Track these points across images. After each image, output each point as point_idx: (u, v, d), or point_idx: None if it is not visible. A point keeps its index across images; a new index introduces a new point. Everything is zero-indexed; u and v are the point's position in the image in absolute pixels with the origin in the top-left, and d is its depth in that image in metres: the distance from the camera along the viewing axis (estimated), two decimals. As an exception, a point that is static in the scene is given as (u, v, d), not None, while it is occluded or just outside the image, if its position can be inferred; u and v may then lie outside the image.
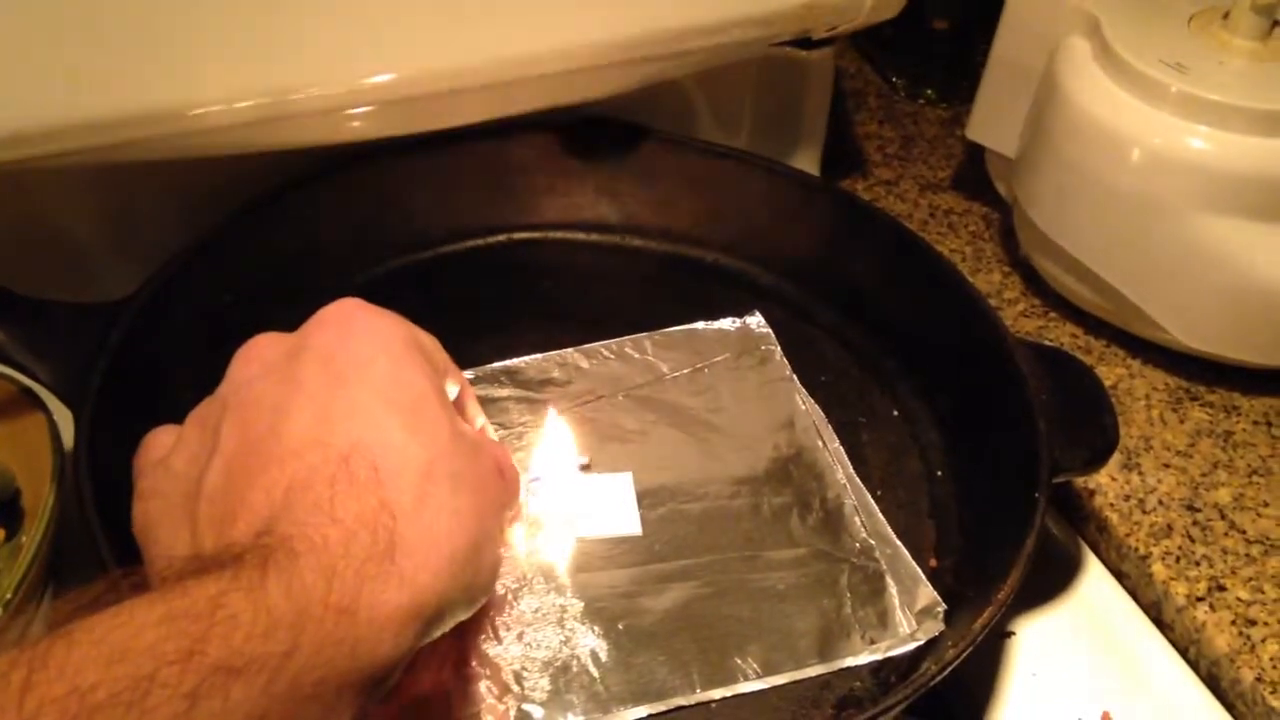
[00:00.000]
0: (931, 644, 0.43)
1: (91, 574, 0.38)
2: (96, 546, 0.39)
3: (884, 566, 0.45)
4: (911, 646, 0.42)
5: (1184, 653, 0.49)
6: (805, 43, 0.59)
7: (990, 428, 0.48)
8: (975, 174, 0.67)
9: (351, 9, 0.48)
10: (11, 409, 0.47)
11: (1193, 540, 0.51)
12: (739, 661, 0.41)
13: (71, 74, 0.44)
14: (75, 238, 0.55)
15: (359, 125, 0.51)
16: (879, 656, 0.42)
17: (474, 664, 0.40)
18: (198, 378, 0.48)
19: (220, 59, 0.46)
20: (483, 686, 0.40)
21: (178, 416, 0.47)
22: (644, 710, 0.40)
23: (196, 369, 0.48)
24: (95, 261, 0.55)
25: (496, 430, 0.48)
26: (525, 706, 0.40)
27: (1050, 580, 0.51)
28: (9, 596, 0.41)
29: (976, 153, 0.66)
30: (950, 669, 0.38)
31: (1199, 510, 0.52)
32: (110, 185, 0.52)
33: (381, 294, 0.54)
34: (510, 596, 0.43)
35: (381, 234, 0.56)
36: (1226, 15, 0.54)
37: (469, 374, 0.50)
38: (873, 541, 0.46)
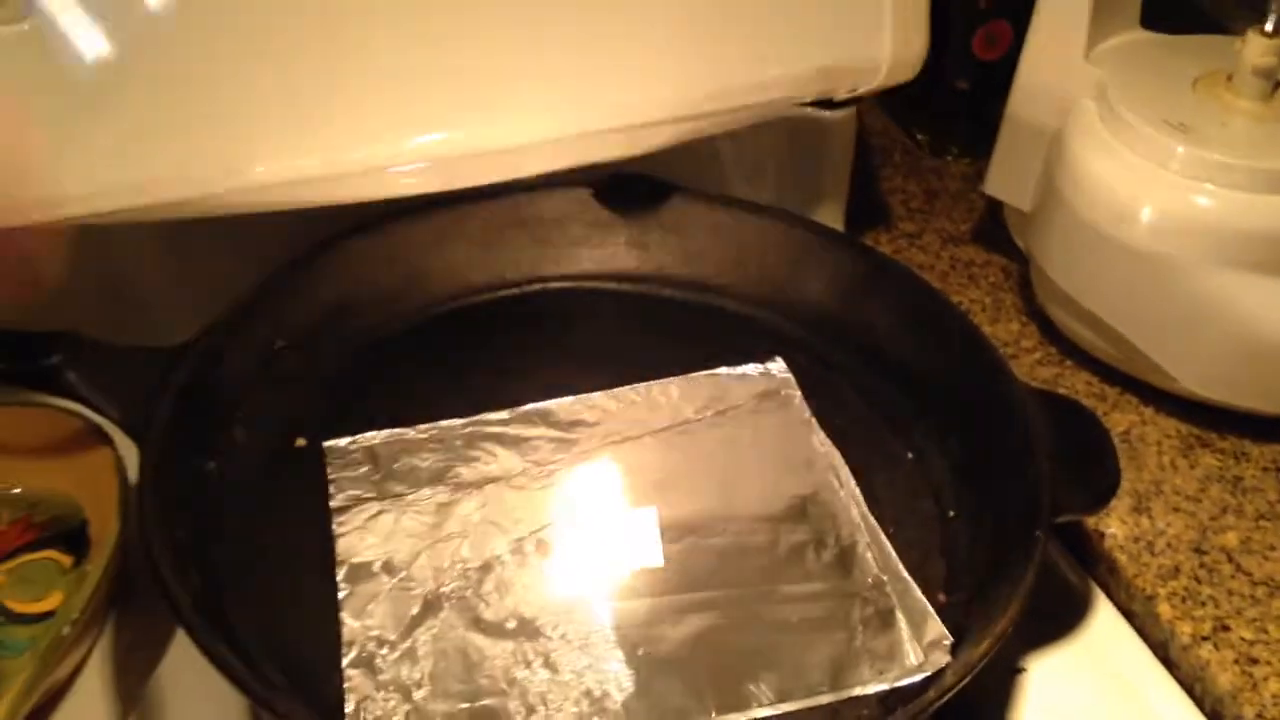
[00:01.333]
0: (938, 675, 0.45)
1: (153, 599, 0.41)
2: (158, 574, 0.42)
3: (894, 601, 0.47)
4: (919, 677, 0.44)
5: (1189, 690, 0.50)
6: (828, 104, 0.61)
7: (998, 470, 0.50)
8: (995, 227, 0.70)
9: (400, 73, 0.51)
10: (81, 444, 0.50)
11: (1199, 582, 0.52)
12: (753, 688, 0.44)
13: (133, 136, 0.47)
14: (140, 286, 0.59)
15: (409, 182, 0.54)
16: (887, 686, 0.44)
17: (503, 685, 0.43)
18: (252, 416, 0.52)
19: (276, 121, 0.49)
20: (511, 705, 0.42)
21: (233, 451, 0.51)
22: (662, 733, 0.43)
23: (251, 408, 0.52)
24: (158, 308, 0.59)
25: (530, 467, 0.51)
26: (550, 727, 0.42)
27: (1062, 619, 0.53)
28: (75, 616, 0.44)
29: (996, 206, 0.69)
30: (950, 695, 0.40)
31: (1206, 553, 0.53)
32: (172, 238, 0.56)
33: (424, 338, 0.58)
34: (537, 623, 0.45)
35: (425, 282, 0.59)
36: (1230, 78, 0.56)
37: (504, 414, 0.54)
38: (884, 577, 0.48)
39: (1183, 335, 0.57)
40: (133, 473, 0.48)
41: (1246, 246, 0.54)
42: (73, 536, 0.50)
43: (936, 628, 0.46)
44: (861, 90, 0.59)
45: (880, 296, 0.57)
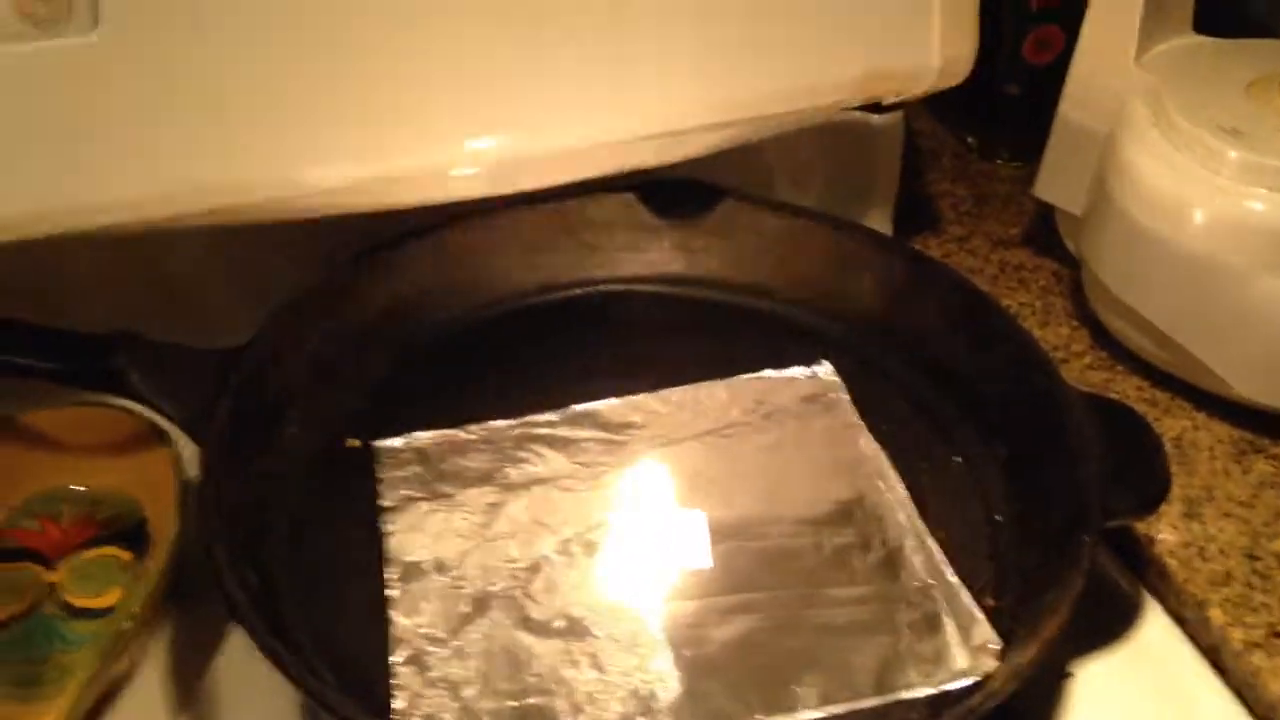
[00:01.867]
0: (985, 680, 0.44)
1: (209, 593, 0.42)
2: (217, 573, 0.43)
3: (941, 605, 0.47)
4: (966, 682, 0.44)
5: (1241, 697, 0.50)
6: (876, 107, 0.61)
7: (1047, 474, 0.50)
8: (1046, 231, 0.69)
9: (454, 80, 0.52)
10: (140, 443, 0.51)
11: (1252, 588, 0.52)
12: (798, 691, 0.44)
13: (191, 143, 0.48)
14: (195, 288, 0.60)
15: (463, 186, 0.55)
16: (933, 690, 0.44)
17: (550, 684, 0.43)
18: (307, 416, 0.53)
19: (332, 127, 0.50)
20: (558, 704, 0.43)
21: (288, 451, 0.52)
22: (706, 734, 0.43)
23: (306, 408, 0.53)
24: (213, 310, 0.60)
25: (578, 468, 0.52)
26: (597, 726, 0.43)
27: (1111, 624, 0.52)
28: (135, 611, 0.46)
29: (1047, 210, 0.68)
30: (997, 701, 0.40)
31: (1259, 559, 0.53)
32: (228, 241, 0.57)
33: (474, 341, 0.59)
34: (585, 623, 0.46)
35: (475, 286, 0.60)
36: (1284, 82, 0.56)
37: (553, 415, 0.54)
38: (931, 581, 0.48)
39: (1236, 340, 0.56)
40: (190, 471, 0.49)
41: (1300, 251, 0.53)
42: (132, 533, 0.51)
43: (984, 632, 0.46)
44: (910, 94, 0.59)
45: (929, 300, 0.57)
